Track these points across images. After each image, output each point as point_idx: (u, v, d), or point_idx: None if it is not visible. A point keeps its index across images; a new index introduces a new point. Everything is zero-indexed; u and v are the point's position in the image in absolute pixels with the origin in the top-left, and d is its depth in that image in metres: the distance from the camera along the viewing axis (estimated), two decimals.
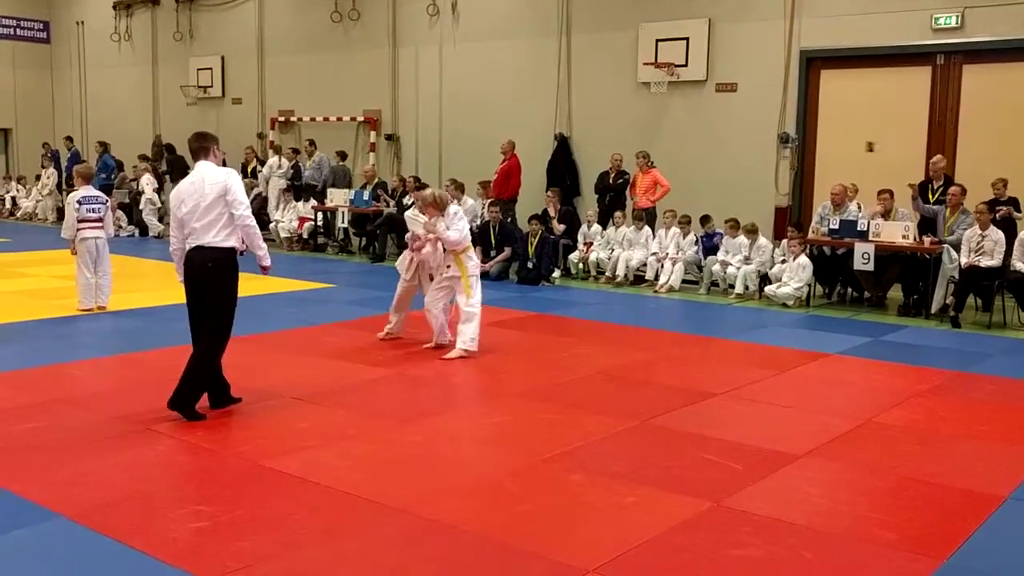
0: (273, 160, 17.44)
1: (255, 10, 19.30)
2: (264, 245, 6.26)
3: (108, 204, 10.27)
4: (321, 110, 18.27)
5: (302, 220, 16.35)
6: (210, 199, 6.00)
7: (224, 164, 6.59)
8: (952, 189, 10.93)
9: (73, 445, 5.56)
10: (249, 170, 17.90)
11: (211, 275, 6.04)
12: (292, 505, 4.72)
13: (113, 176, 19.44)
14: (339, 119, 18.00)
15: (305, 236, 16.36)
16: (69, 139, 21.90)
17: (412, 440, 5.80)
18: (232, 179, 6.10)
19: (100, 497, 4.74)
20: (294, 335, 8.96)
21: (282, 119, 19.01)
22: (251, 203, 17.47)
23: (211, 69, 20.11)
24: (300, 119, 18.74)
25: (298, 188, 16.78)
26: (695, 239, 12.61)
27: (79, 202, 9.88)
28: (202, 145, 6.26)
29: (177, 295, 10.59)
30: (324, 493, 4.89)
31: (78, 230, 9.86)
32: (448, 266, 8.17)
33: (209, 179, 6.05)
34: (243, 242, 6.20)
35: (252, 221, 6.13)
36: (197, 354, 6.11)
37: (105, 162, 19.75)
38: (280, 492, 4.91)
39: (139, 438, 5.71)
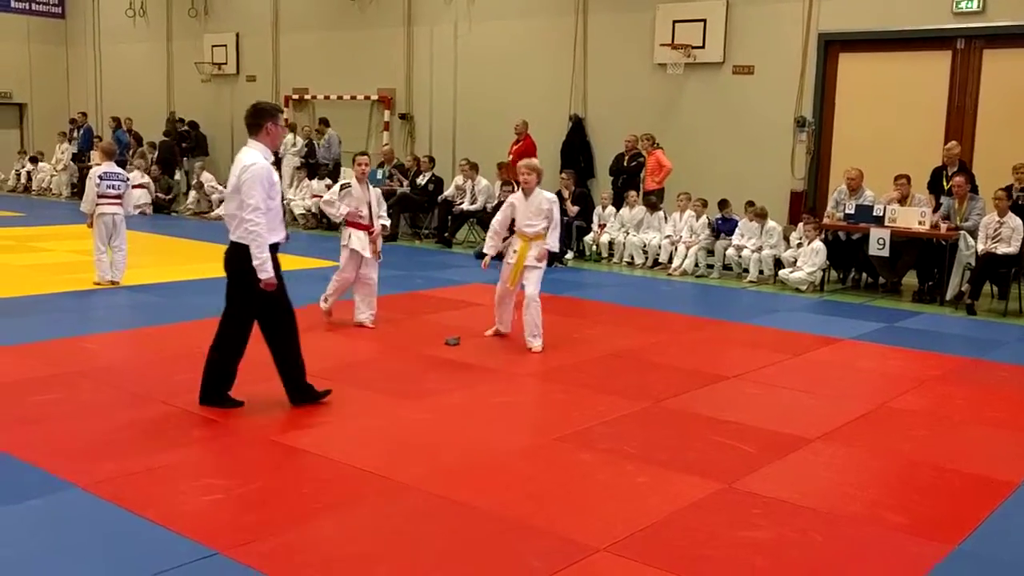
0: (288, 138, 17.44)
1: None
2: (264, 256, 5.55)
3: (128, 181, 10.30)
4: (335, 88, 18.24)
5: (316, 198, 16.34)
6: (231, 189, 5.67)
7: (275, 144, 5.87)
8: (956, 180, 10.83)
9: (88, 417, 5.59)
10: None
11: (228, 259, 5.72)
12: (304, 479, 4.74)
13: (127, 152, 19.48)
14: (353, 97, 17.96)
15: (316, 213, 16.36)
16: (83, 115, 21.94)
17: (422, 418, 5.81)
18: (247, 174, 5.56)
19: (114, 468, 4.76)
20: (308, 312, 8.94)
21: (296, 97, 18.99)
22: None
23: (226, 46, 20.09)
24: (314, 97, 18.71)
25: (312, 166, 16.78)
26: (707, 222, 12.55)
27: (100, 178, 9.91)
28: (255, 122, 5.76)
29: (190, 271, 10.67)
30: (335, 468, 4.90)
31: (97, 205, 9.90)
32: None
33: (235, 170, 5.65)
34: (285, 236, 5.89)
35: (256, 226, 5.51)
36: (214, 343, 5.81)
37: (118, 138, 19.80)
38: (292, 467, 4.93)
39: (153, 411, 5.74)
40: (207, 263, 11.85)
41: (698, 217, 12.57)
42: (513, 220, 7.89)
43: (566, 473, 4.96)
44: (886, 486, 5.02)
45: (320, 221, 16.36)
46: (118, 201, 10.00)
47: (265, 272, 5.57)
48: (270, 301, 5.73)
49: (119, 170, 10.28)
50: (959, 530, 4.37)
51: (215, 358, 5.83)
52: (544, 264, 7.82)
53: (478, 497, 4.55)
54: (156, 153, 19.22)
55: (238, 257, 5.64)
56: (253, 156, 5.69)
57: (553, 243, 7.85)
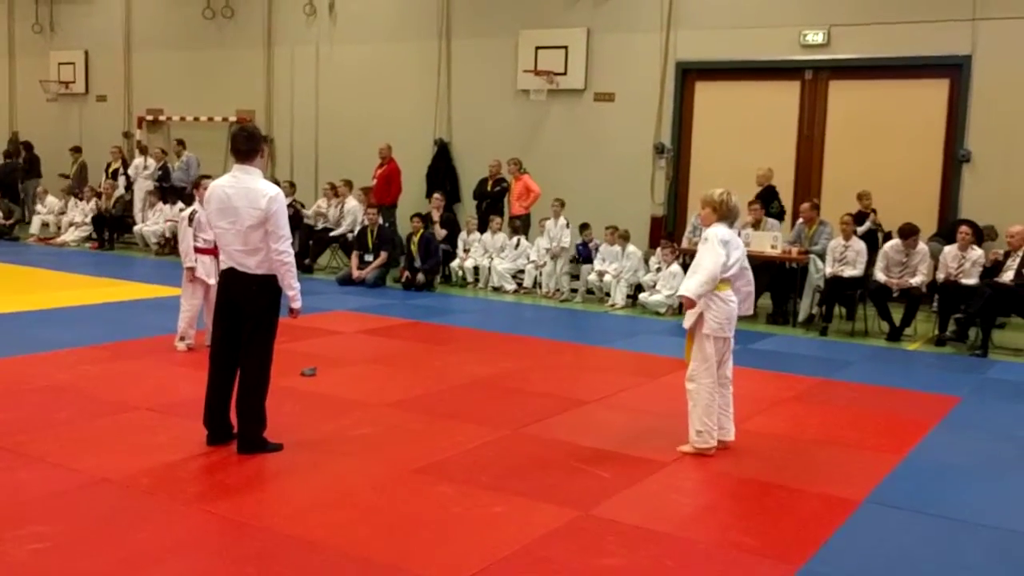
0: (139, 161, 16.77)
1: (121, 3, 18.57)
2: (298, 285, 5.48)
3: None
4: (192, 109, 17.67)
5: (169, 222, 15.73)
6: (248, 223, 5.29)
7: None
8: (802, 206, 11.41)
9: None
10: (110, 172, 17.13)
11: (253, 296, 5.40)
12: (145, 523, 4.46)
13: None
14: (211, 119, 17.43)
15: (170, 238, 15.74)
16: None
17: (273, 453, 5.57)
18: (275, 204, 5.30)
19: None
20: (154, 344, 8.54)
21: (150, 118, 18.31)
22: (113, 206, 16.87)
23: (73, 64, 19.25)
24: (169, 118, 18.09)
25: (165, 190, 16.16)
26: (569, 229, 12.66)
27: None
28: (250, 147, 5.44)
29: (34, 301, 10.04)
30: (173, 509, 4.64)
31: None
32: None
33: (250, 200, 5.29)
34: None
35: (289, 257, 5.38)
36: (246, 386, 5.48)
37: None
38: (128, 510, 4.63)
39: None
40: (54, 292, 11.24)
41: (555, 217, 12.62)
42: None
43: (422, 506, 4.84)
44: (738, 509, 5.09)
45: (174, 247, 15.74)
46: None
47: (299, 301, 5.60)
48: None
49: None
50: (806, 550, 4.44)
51: (257, 400, 5.48)
52: (697, 327, 5.79)
53: (330, 535, 4.37)
54: None
55: (269, 289, 5.42)
56: (269, 184, 5.45)
57: (685, 285, 5.81)
